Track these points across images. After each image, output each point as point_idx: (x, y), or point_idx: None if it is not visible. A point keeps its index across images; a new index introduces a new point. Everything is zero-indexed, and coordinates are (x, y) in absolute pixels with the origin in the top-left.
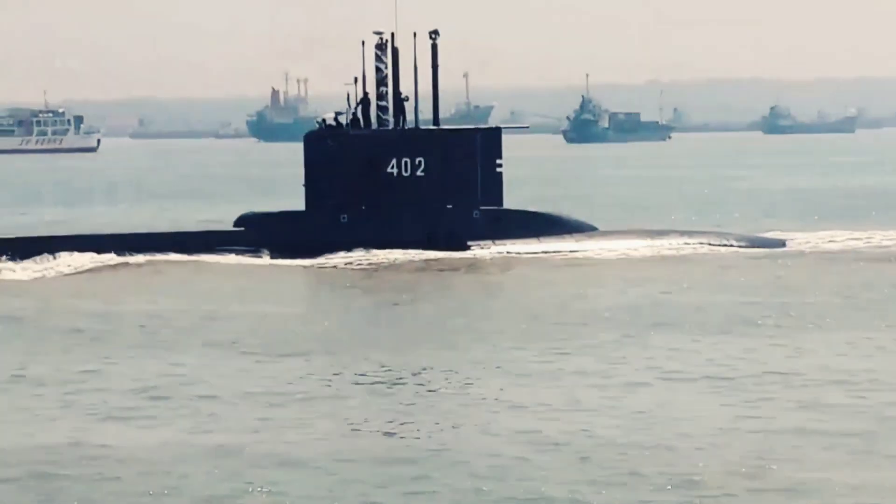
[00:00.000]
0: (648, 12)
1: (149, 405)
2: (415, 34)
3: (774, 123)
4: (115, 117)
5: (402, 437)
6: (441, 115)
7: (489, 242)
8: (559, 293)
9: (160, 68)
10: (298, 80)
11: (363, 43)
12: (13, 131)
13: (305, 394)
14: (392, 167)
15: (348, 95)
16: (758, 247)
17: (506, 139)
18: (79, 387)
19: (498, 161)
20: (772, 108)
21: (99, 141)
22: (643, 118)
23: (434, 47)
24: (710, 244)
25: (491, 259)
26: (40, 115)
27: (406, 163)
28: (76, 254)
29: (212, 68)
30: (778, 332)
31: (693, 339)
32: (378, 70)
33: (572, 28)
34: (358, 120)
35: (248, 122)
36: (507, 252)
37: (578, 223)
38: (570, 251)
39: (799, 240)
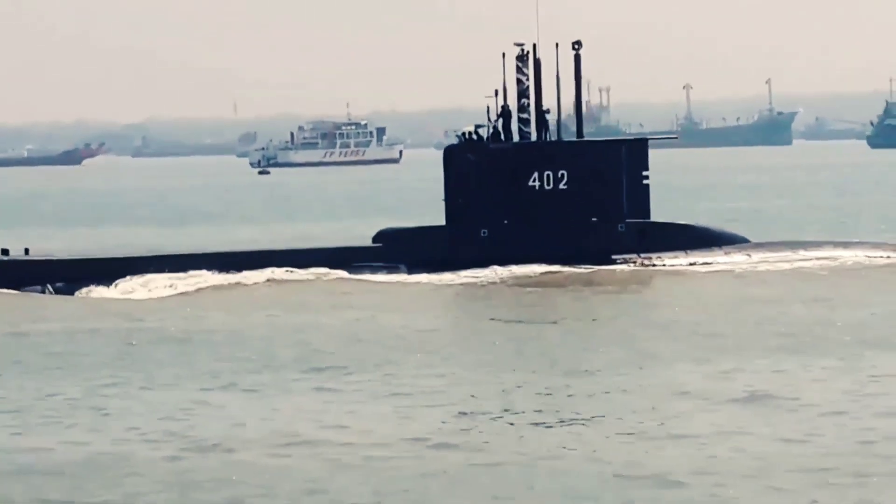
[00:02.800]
0: None
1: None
2: (557, 45)
3: None
4: (424, 128)
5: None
6: (743, 121)
7: (635, 256)
8: (706, 308)
9: (467, 78)
10: (600, 89)
11: (503, 55)
12: (317, 144)
13: (449, 417)
14: (534, 180)
15: (488, 108)
16: None
17: (808, 145)
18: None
19: (644, 173)
20: None
21: (401, 152)
22: None
23: (577, 58)
24: (866, 256)
25: (636, 273)
26: (343, 127)
27: (549, 176)
28: (210, 271)
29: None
30: None
31: (847, 360)
32: (519, 82)
33: (878, 32)
34: (499, 133)
35: None
36: (653, 265)
37: (728, 235)
38: (719, 264)
39: None
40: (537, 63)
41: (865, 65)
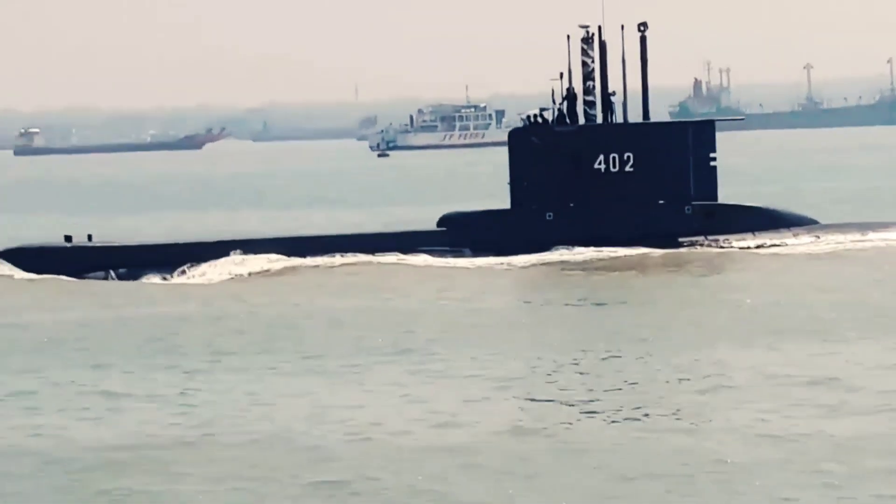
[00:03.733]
0: None
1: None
2: (622, 27)
3: None
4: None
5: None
6: (865, 101)
7: (702, 238)
8: (777, 290)
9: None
10: (721, 70)
11: (568, 37)
12: (436, 127)
13: (526, 403)
14: (600, 163)
15: (553, 91)
16: None
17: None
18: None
19: (712, 155)
20: None
21: None
22: None
23: (643, 40)
24: None
25: (704, 255)
26: (463, 110)
27: (614, 158)
28: (280, 255)
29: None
30: None
31: None
32: (584, 64)
33: None
34: (563, 116)
35: (670, 113)
36: (721, 247)
37: (797, 216)
38: (788, 246)
39: None
40: (603, 45)
41: None
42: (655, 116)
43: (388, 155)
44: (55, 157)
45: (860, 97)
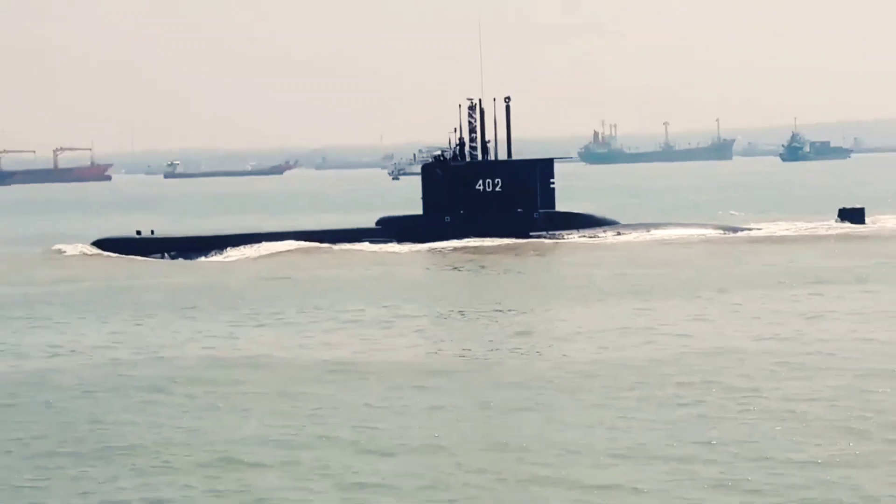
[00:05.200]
0: (848, 68)
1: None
2: (494, 99)
3: None
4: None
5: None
6: (701, 145)
7: (544, 233)
8: (593, 267)
9: (529, 112)
10: (610, 125)
11: (459, 106)
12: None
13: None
14: (480, 185)
15: (450, 140)
16: (727, 233)
17: (743, 160)
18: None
19: (551, 180)
20: None
21: None
22: (832, 144)
23: (507, 108)
24: (697, 232)
25: (544, 244)
26: (444, 150)
27: (489, 182)
28: (276, 243)
29: (544, 112)
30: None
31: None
32: (470, 123)
33: (790, 82)
34: (457, 155)
35: (578, 153)
36: (557, 240)
37: (607, 220)
38: (598, 238)
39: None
40: (482, 111)
41: (781, 106)
42: (570, 154)
43: (398, 179)
44: (190, 179)
45: (699, 143)
